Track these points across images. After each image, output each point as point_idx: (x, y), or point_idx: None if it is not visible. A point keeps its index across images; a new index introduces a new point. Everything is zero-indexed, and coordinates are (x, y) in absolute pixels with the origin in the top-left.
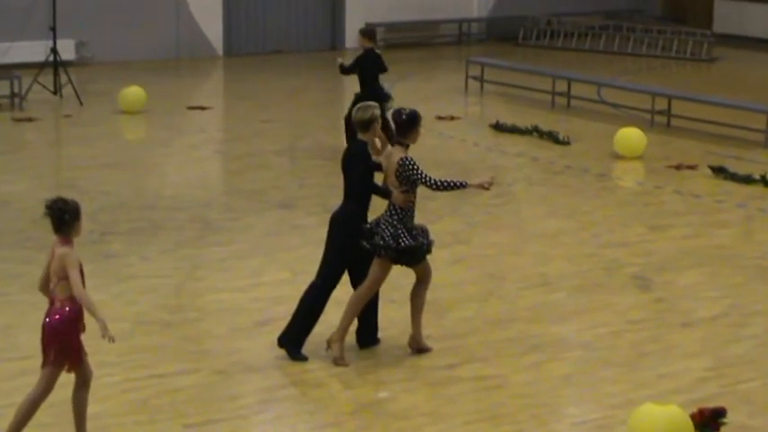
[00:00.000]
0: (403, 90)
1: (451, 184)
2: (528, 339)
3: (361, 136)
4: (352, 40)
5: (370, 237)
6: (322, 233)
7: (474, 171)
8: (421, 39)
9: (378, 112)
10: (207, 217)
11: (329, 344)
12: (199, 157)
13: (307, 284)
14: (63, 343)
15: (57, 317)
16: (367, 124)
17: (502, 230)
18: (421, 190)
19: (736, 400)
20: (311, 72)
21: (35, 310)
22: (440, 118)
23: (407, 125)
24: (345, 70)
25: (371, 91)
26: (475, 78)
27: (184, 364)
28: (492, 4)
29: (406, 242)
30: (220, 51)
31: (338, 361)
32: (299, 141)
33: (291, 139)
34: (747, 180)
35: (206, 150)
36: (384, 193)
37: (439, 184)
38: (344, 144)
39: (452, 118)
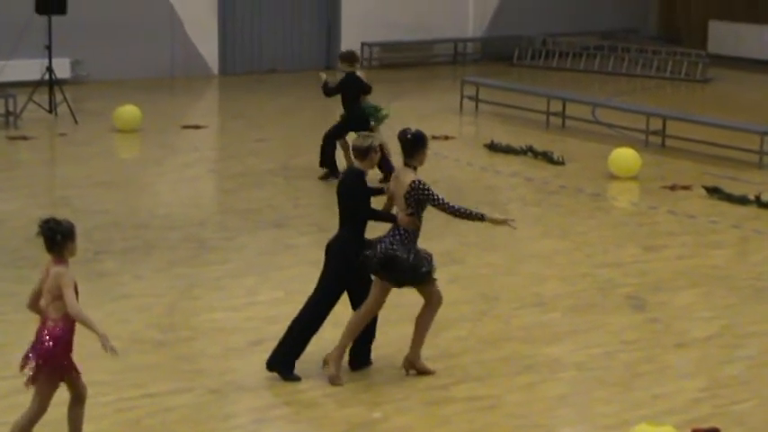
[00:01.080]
0: (398, 109)
1: (468, 212)
2: (522, 359)
3: (358, 164)
4: None
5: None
6: (316, 253)
7: (468, 191)
8: (416, 58)
9: (377, 143)
10: (201, 236)
11: (326, 362)
12: (193, 175)
13: (301, 304)
14: (56, 364)
15: (50, 343)
16: (365, 152)
17: (496, 250)
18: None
19: (729, 421)
20: (306, 91)
21: (29, 330)
22: (434, 137)
23: (411, 145)
24: (328, 91)
25: (353, 113)
26: (470, 98)
27: (177, 384)
28: (487, 24)
29: (394, 254)
30: (215, 70)
31: (334, 380)
32: (294, 160)
33: (286, 158)
34: (742, 201)
35: (200, 169)
36: (386, 217)
37: (456, 209)
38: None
39: (447, 137)
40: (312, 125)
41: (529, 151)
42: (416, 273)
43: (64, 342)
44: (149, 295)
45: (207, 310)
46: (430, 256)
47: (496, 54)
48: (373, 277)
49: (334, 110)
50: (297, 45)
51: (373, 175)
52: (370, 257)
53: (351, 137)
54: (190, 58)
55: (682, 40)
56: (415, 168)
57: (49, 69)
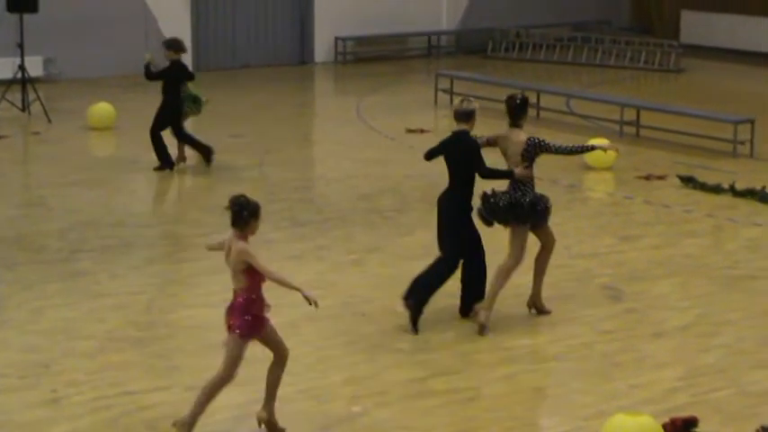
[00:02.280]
0: (373, 103)
1: (580, 147)
2: (500, 351)
3: (462, 126)
4: (321, 54)
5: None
6: (292, 247)
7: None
8: (390, 52)
9: (477, 105)
10: (177, 233)
11: (477, 311)
12: (168, 173)
13: (278, 298)
14: (254, 333)
15: (240, 299)
16: (470, 115)
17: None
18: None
19: (707, 410)
20: (280, 86)
21: (5, 329)
22: (410, 131)
23: (520, 109)
24: (150, 75)
25: (174, 99)
26: (444, 91)
27: (155, 382)
28: (461, 17)
29: (520, 199)
30: (189, 67)
31: (483, 330)
32: (269, 156)
33: (260, 153)
34: (716, 190)
35: (175, 166)
36: (503, 173)
37: (570, 149)
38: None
39: (422, 131)
40: (287, 120)
41: None
42: (536, 210)
43: (250, 311)
44: (126, 293)
45: (184, 307)
46: (547, 197)
47: (470, 47)
48: (510, 230)
49: (311, 104)
50: (270, 40)
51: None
52: (499, 206)
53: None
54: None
55: (654, 30)
56: (521, 127)
57: (22, 68)
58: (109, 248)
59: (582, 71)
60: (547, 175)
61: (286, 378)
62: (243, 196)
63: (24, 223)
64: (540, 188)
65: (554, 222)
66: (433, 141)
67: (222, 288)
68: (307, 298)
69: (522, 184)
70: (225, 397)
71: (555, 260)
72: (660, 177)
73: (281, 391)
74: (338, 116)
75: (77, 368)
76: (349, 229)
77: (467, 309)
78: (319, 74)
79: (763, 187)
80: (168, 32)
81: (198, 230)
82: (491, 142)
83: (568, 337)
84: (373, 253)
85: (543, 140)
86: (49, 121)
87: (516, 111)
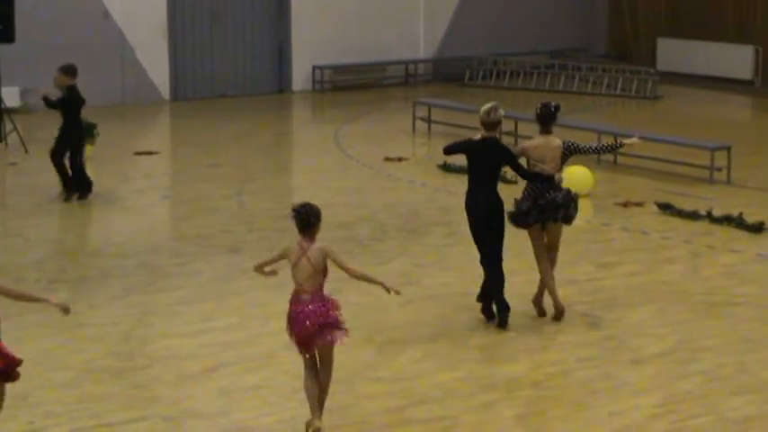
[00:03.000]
0: (351, 131)
1: (609, 146)
2: (478, 380)
3: (489, 133)
4: (299, 83)
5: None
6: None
7: (423, 212)
8: (368, 80)
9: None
10: (155, 263)
11: (534, 304)
12: (146, 202)
13: (258, 328)
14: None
15: (309, 306)
16: (499, 123)
17: (451, 271)
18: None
19: None
20: (258, 116)
21: None
22: (388, 159)
23: (553, 116)
24: (51, 105)
25: (76, 125)
26: (422, 119)
27: (133, 413)
28: (438, 45)
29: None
30: (167, 96)
31: (543, 313)
32: (247, 185)
33: (239, 182)
34: (694, 216)
35: (153, 196)
36: (543, 176)
37: (600, 148)
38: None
39: (400, 159)
40: (266, 149)
41: None
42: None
43: (328, 308)
44: (104, 324)
45: (162, 337)
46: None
47: (448, 75)
48: (556, 227)
49: (289, 132)
50: (248, 69)
51: None
52: (554, 204)
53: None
54: (141, 84)
55: (631, 57)
56: (552, 132)
57: None
58: (86, 279)
59: (559, 98)
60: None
61: (264, 408)
62: (306, 204)
63: (1, 254)
64: None
65: (531, 251)
66: (411, 169)
67: (199, 318)
68: (389, 289)
69: (550, 185)
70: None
71: (533, 287)
72: (638, 204)
73: (259, 422)
74: (316, 145)
75: (55, 399)
76: None
77: (490, 309)
78: (297, 102)
79: (741, 214)
80: (146, 62)
81: (176, 260)
82: (518, 154)
83: (547, 364)
84: (351, 282)
85: (575, 142)
86: (26, 151)
87: (551, 118)
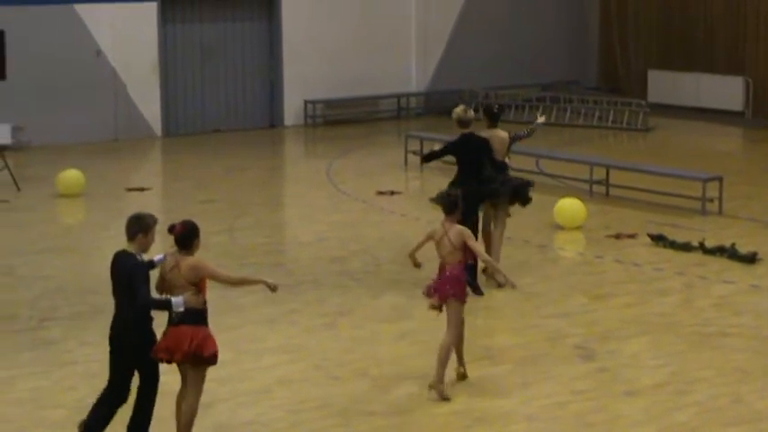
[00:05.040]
0: (343, 166)
1: (528, 132)
2: (473, 413)
3: (466, 130)
4: (291, 117)
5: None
6: (264, 311)
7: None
8: (359, 114)
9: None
10: None
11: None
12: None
13: (251, 363)
14: (461, 296)
15: (455, 271)
16: (472, 121)
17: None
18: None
19: None
20: (250, 151)
21: None
22: (380, 193)
23: (498, 116)
24: None
25: None
26: (414, 153)
27: None
28: (430, 79)
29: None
30: (159, 132)
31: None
32: (239, 220)
33: (231, 218)
34: (686, 247)
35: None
36: (505, 164)
37: (524, 134)
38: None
39: (393, 193)
40: (257, 184)
41: None
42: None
43: (461, 279)
44: (96, 361)
45: None
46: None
47: (440, 108)
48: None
49: (282, 167)
50: (240, 105)
51: None
52: (503, 189)
53: None
54: (133, 120)
55: (622, 89)
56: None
57: None
58: (79, 316)
59: (551, 131)
60: (518, 235)
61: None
62: (446, 191)
63: None
64: (510, 248)
65: (525, 282)
66: (403, 203)
67: None
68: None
69: (501, 173)
70: None
71: (526, 320)
72: (630, 236)
73: None
74: (308, 179)
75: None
76: (320, 292)
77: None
78: (289, 137)
79: (733, 244)
80: (138, 98)
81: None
82: None
83: (541, 396)
84: (345, 316)
85: (516, 133)
86: (18, 188)
87: (497, 116)
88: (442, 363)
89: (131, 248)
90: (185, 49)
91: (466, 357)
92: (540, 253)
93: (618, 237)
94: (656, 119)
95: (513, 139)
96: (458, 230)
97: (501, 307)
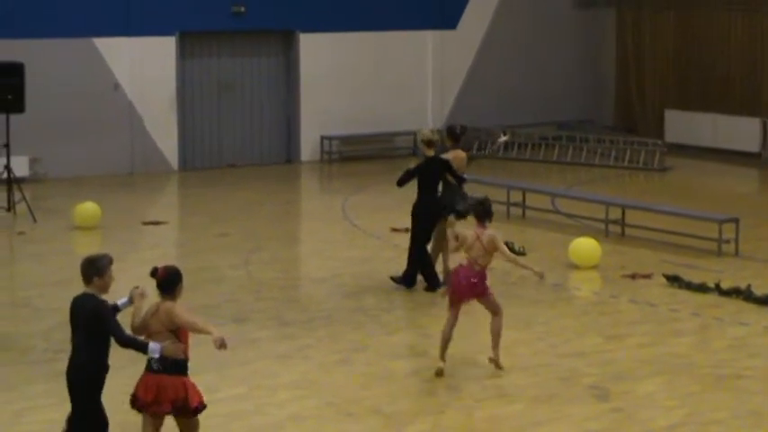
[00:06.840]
0: (358, 202)
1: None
2: None
3: (429, 153)
4: (307, 153)
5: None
6: (278, 346)
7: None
8: (376, 151)
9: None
10: None
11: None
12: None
13: (264, 398)
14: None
15: (476, 279)
16: (433, 143)
17: (458, 341)
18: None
19: None
20: (266, 185)
21: None
22: (395, 230)
23: (461, 135)
24: None
25: None
26: None
27: None
28: (446, 116)
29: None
30: (175, 166)
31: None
32: (255, 255)
33: (247, 252)
34: (702, 288)
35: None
36: (464, 180)
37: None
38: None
39: (407, 230)
40: (273, 219)
41: None
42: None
43: (479, 282)
44: (108, 394)
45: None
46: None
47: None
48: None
49: (297, 202)
50: (256, 140)
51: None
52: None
53: None
54: (149, 153)
55: (638, 129)
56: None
57: (8, 168)
58: None
59: (567, 170)
60: (532, 274)
61: None
62: (480, 200)
63: (9, 324)
64: (525, 287)
65: (540, 321)
66: None
67: (205, 388)
68: (539, 274)
69: (460, 186)
70: None
71: (541, 359)
72: (646, 276)
73: None
74: (324, 215)
75: None
76: (335, 328)
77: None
78: (305, 173)
79: (749, 286)
80: (155, 132)
81: None
82: None
83: None
84: (359, 352)
85: (475, 152)
86: (35, 220)
87: (459, 136)
88: (497, 341)
89: (90, 291)
90: (203, 83)
91: (478, 396)
92: (554, 292)
93: (633, 277)
94: (672, 159)
95: (472, 158)
96: (490, 235)
97: (514, 346)
